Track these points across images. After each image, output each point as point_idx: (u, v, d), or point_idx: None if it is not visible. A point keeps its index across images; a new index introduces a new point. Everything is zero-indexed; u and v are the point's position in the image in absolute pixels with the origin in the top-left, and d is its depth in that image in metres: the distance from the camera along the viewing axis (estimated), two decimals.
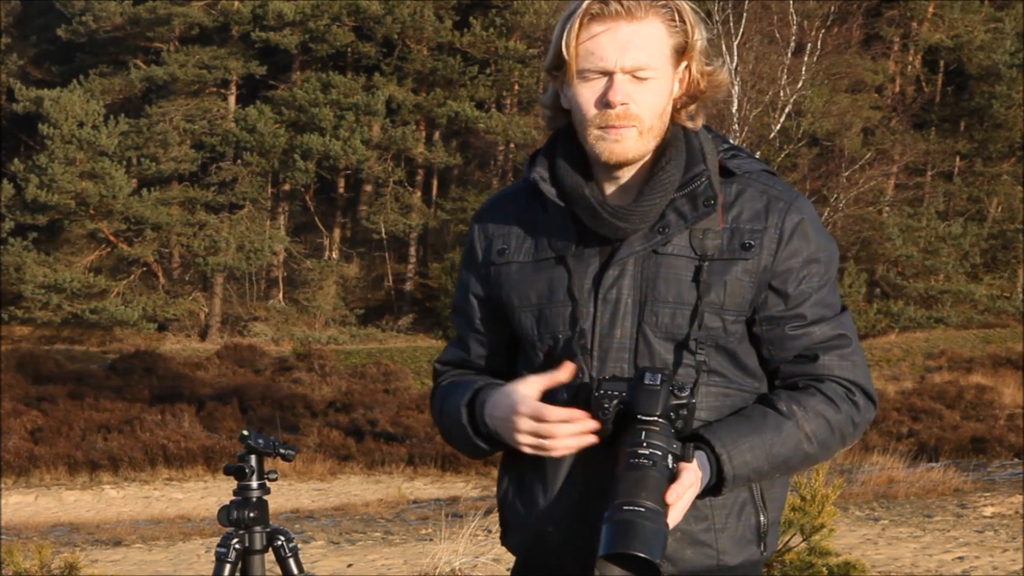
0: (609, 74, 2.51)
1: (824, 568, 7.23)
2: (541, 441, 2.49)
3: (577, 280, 2.58)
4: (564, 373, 2.53)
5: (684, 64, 2.57)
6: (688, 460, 2.43)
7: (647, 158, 2.58)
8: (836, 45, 33.45)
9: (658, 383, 2.44)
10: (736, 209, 2.58)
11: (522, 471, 2.64)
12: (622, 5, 2.50)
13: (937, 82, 47.65)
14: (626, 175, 2.59)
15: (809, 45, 31.26)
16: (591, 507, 2.53)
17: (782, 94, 29.70)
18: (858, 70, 39.30)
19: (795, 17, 30.80)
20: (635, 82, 2.51)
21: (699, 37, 2.57)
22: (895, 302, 41.01)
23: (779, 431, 2.55)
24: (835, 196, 35.67)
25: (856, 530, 12.70)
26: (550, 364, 2.59)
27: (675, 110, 2.60)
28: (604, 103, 2.51)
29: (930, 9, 45.50)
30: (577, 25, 2.51)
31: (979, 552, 11.55)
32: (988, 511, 14.01)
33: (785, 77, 29.83)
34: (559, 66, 2.56)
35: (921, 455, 20.28)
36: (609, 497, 2.39)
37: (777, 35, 29.90)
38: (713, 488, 2.51)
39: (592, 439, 2.48)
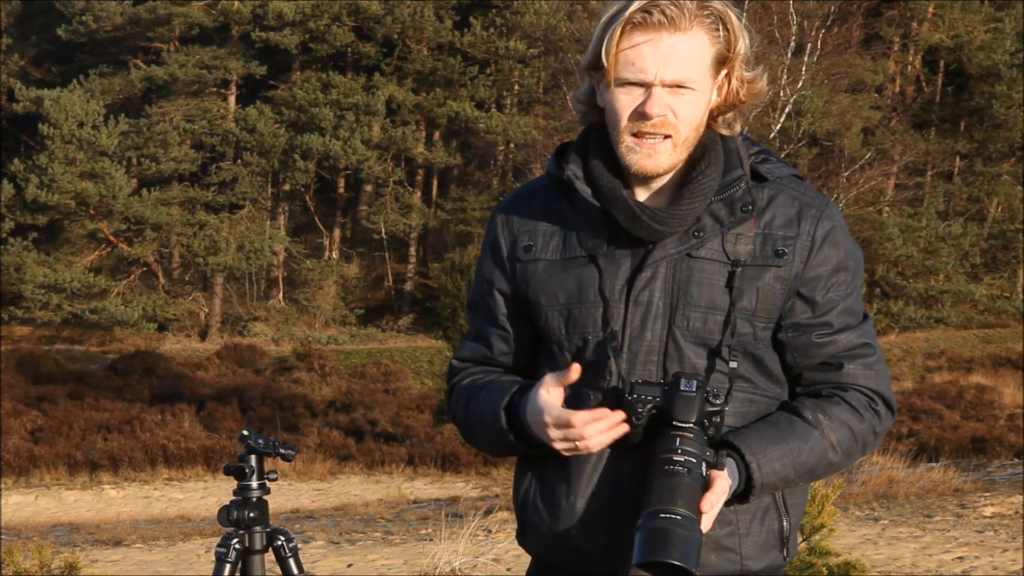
0: (648, 86, 2.48)
1: (824, 568, 7.23)
2: (575, 444, 2.47)
3: (608, 281, 2.55)
4: (572, 375, 2.49)
5: (724, 73, 2.54)
6: (720, 468, 2.43)
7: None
8: (836, 45, 33.44)
9: (694, 390, 2.43)
10: (768, 215, 2.57)
11: (544, 471, 2.61)
12: (665, 15, 2.46)
13: (937, 82, 47.66)
14: (659, 179, 2.56)
15: (809, 45, 31.26)
16: (618, 511, 2.52)
17: (782, 94, 29.69)
18: (858, 70, 39.28)
19: (795, 17, 30.80)
20: (674, 94, 2.48)
21: (742, 46, 2.53)
22: (895, 302, 41.02)
23: (806, 440, 2.54)
24: (835, 196, 35.65)
25: (856, 530, 12.70)
26: (579, 363, 2.55)
27: (712, 118, 2.58)
28: (641, 114, 2.48)
29: (930, 9, 45.49)
30: (619, 32, 2.47)
31: (979, 552, 11.54)
32: (988, 511, 14.01)
33: (785, 77, 29.82)
34: (596, 68, 2.53)
35: (921, 455, 20.26)
36: (642, 504, 2.38)
37: (777, 35, 29.89)
38: (740, 495, 2.51)
39: (624, 428, 2.46)
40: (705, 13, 2.49)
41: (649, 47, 2.47)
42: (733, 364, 2.52)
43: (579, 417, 2.45)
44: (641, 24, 2.47)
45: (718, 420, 2.46)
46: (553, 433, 2.48)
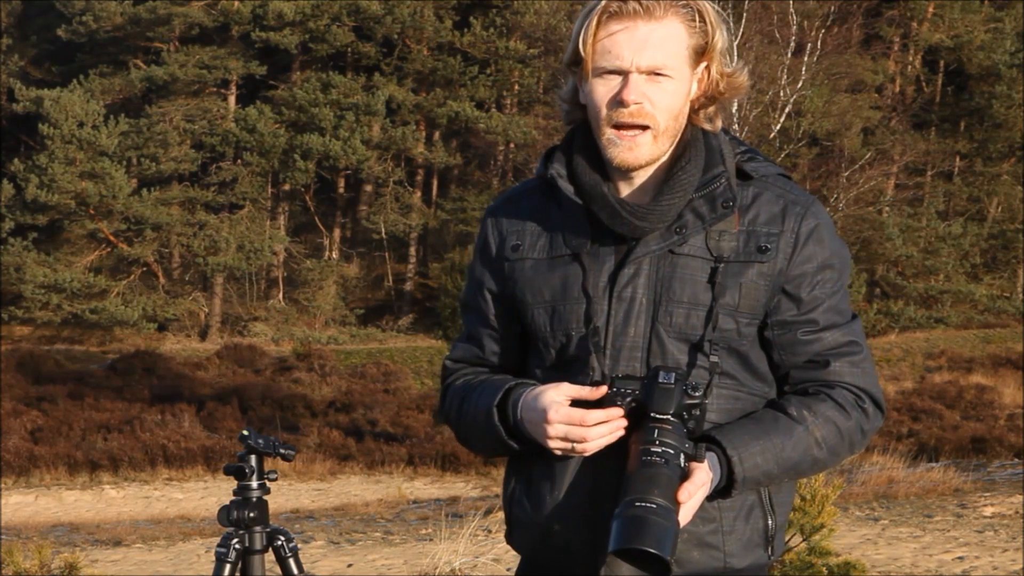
0: (625, 73, 2.50)
1: (824, 568, 7.24)
2: (573, 444, 2.48)
3: (592, 278, 2.57)
4: (596, 394, 2.49)
5: (703, 65, 2.56)
6: (700, 460, 2.43)
7: (664, 159, 2.57)
8: (836, 45, 33.46)
9: (672, 382, 2.44)
10: (752, 212, 2.58)
11: (531, 470, 2.63)
12: (641, 4, 2.48)
13: (937, 82, 47.67)
14: (641, 175, 2.58)
15: (809, 45, 31.28)
16: (599, 506, 2.53)
17: (782, 94, 29.71)
18: (858, 70, 39.32)
19: (795, 17, 30.82)
20: (651, 82, 2.50)
21: (720, 38, 2.55)
22: (895, 302, 41.02)
23: (790, 435, 2.55)
24: (835, 196, 35.67)
25: (856, 530, 12.70)
26: (562, 361, 2.59)
27: (693, 111, 2.59)
28: (618, 102, 2.50)
29: (930, 9, 45.51)
30: (595, 22, 2.50)
31: (979, 552, 11.55)
32: (988, 511, 14.01)
33: (785, 77, 29.84)
34: (576, 62, 2.55)
35: (921, 455, 20.27)
36: (620, 494, 2.39)
37: (777, 35, 29.92)
38: (723, 490, 2.51)
39: (620, 433, 2.47)
40: (681, 4, 2.51)
41: (625, 35, 2.49)
42: (714, 359, 2.53)
43: (593, 416, 2.46)
44: (617, 14, 2.49)
45: (698, 413, 2.46)
46: (553, 431, 2.48)
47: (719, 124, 2.62)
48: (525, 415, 2.54)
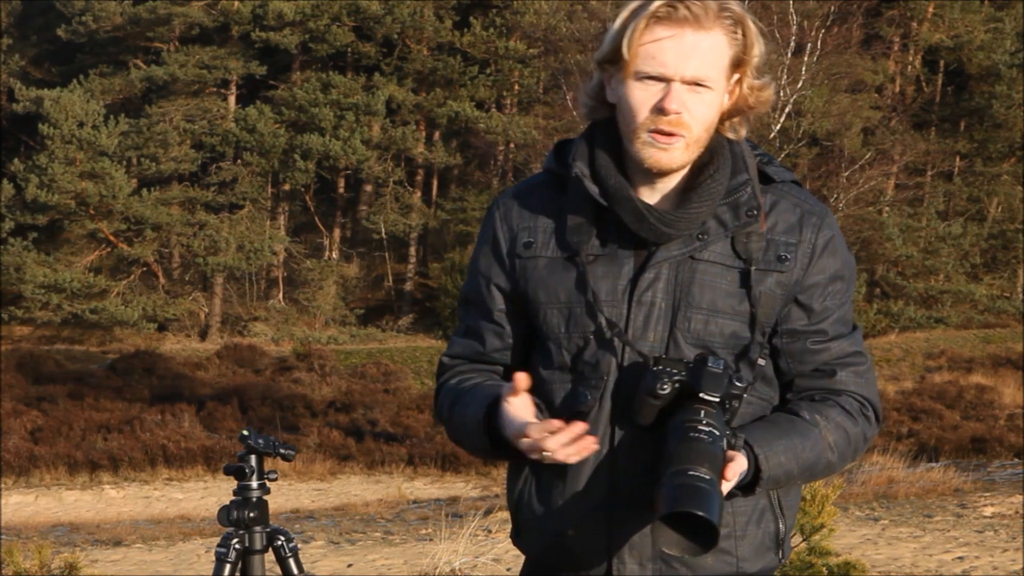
0: (668, 81, 2.47)
1: (824, 568, 7.24)
2: (542, 455, 2.45)
3: (611, 281, 2.55)
4: (520, 384, 2.47)
5: (737, 77, 2.54)
6: (737, 449, 2.45)
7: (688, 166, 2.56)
8: (836, 45, 33.42)
9: (721, 368, 2.45)
10: (771, 220, 2.57)
11: (540, 470, 2.60)
12: (691, 11, 2.45)
13: (937, 82, 47.67)
14: (666, 181, 2.55)
15: (809, 45, 31.25)
16: (615, 511, 2.53)
17: (782, 94, 29.68)
18: (858, 70, 39.26)
19: (795, 17, 30.78)
20: (692, 92, 2.48)
21: (758, 52, 2.53)
22: (895, 302, 41.03)
23: (807, 437, 2.56)
24: (835, 196, 35.64)
25: (856, 530, 12.70)
26: (578, 363, 2.56)
27: (719, 122, 2.57)
28: (659, 109, 2.47)
29: (930, 9, 45.50)
30: (642, 25, 2.46)
31: (979, 552, 11.55)
32: (988, 511, 14.02)
33: (785, 77, 29.81)
34: (614, 61, 2.51)
35: (921, 455, 20.27)
36: (663, 467, 2.37)
37: (777, 35, 29.88)
38: (746, 487, 2.51)
39: (593, 448, 2.43)
40: (725, 15, 2.49)
41: (672, 43, 2.46)
42: (761, 361, 2.56)
43: (535, 428, 2.44)
44: (665, 19, 2.46)
45: (737, 404, 2.47)
46: (526, 447, 2.46)
47: (743, 133, 2.62)
48: (505, 432, 2.52)
